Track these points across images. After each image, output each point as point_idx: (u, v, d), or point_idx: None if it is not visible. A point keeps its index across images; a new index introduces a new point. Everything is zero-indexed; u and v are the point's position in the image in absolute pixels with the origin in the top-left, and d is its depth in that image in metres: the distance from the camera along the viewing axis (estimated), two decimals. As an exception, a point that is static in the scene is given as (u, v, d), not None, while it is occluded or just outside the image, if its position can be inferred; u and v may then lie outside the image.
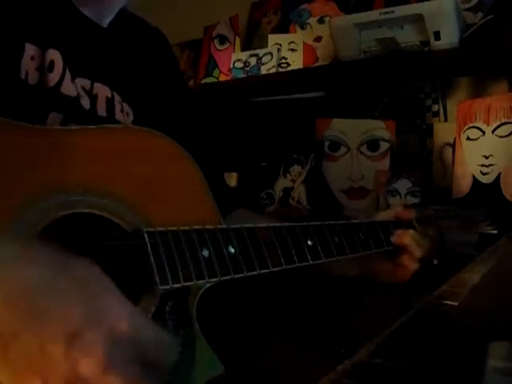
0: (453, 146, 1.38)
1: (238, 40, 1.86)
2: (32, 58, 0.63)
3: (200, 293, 0.58)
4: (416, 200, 1.40)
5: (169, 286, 0.54)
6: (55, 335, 0.36)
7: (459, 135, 1.33)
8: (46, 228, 0.51)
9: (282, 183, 1.60)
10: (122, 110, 0.74)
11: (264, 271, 0.63)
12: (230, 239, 0.61)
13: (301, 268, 0.68)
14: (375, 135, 1.50)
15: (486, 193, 1.25)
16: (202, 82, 1.87)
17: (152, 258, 0.54)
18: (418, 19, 1.31)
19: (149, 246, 0.54)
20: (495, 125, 1.26)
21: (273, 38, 1.75)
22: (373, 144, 1.50)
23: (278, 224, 0.69)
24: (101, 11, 0.76)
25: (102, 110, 0.71)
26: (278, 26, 1.81)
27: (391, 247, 0.84)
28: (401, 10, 1.34)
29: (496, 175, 1.24)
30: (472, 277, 0.61)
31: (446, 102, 1.53)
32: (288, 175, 1.60)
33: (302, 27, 1.74)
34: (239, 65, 1.76)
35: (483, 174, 1.27)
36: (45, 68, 0.64)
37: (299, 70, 1.66)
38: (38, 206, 0.51)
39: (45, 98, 0.64)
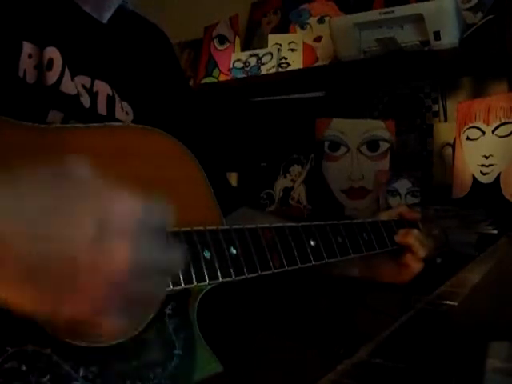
0: (453, 146, 1.38)
1: (237, 40, 1.86)
2: (30, 57, 0.63)
3: (201, 295, 0.58)
4: (416, 200, 1.40)
5: (169, 289, 0.53)
6: (80, 250, 0.37)
7: (459, 135, 1.33)
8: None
9: (281, 183, 1.60)
10: (121, 109, 0.74)
11: (266, 273, 0.62)
12: (231, 240, 0.60)
13: (303, 269, 0.68)
14: (375, 135, 1.50)
15: (485, 193, 1.25)
16: (202, 81, 1.87)
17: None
18: (418, 19, 1.31)
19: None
20: (495, 125, 1.26)
21: (273, 38, 1.75)
22: (373, 144, 1.50)
23: (280, 224, 0.68)
24: (101, 6, 0.75)
25: (102, 108, 0.71)
26: (278, 25, 1.81)
27: (395, 247, 0.83)
28: (401, 10, 1.34)
29: (496, 175, 1.24)
30: (472, 277, 0.61)
31: (445, 102, 1.53)
32: (288, 175, 1.60)
33: (302, 27, 1.74)
34: (239, 65, 1.76)
35: (483, 174, 1.27)
36: (43, 66, 0.64)
37: (299, 69, 1.66)
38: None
39: (44, 97, 0.64)
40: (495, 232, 0.95)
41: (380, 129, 1.50)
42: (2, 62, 0.61)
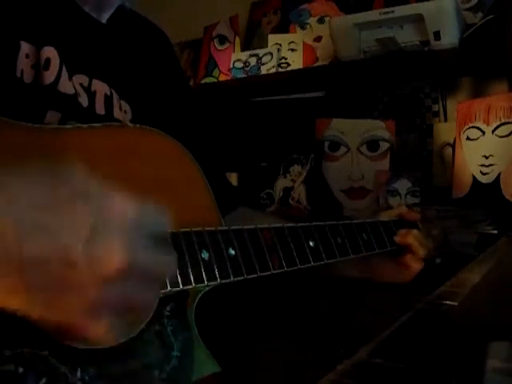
0: (453, 145, 1.38)
1: (237, 40, 1.86)
2: (27, 56, 0.63)
3: (199, 296, 0.57)
4: (416, 200, 1.40)
5: (167, 290, 0.53)
6: (73, 247, 0.37)
7: (459, 135, 1.33)
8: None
9: (281, 183, 1.60)
10: (120, 108, 0.73)
11: (265, 274, 0.62)
12: (230, 241, 0.60)
13: (302, 269, 0.67)
14: (375, 135, 1.50)
15: (485, 193, 1.25)
16: (202, 81, 1.87)
17: None
18: (418, 19, 1.31)
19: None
20: (495, 125, 1.26)
21: (273, 38, 1.75)
22: (373, 144, 1.50)
23: (279, 225, 0.67)
24: (101, 6, 0.75)
25: (100, 108, 0.70)
26: (278, 25, 1.81)
27: (394, 247, 0.83)
28: (401, 10, 1.34)
29: (496, 175, 1.24)
30: (472, 277, 0.61)
31: (445, 102, 1.53)
32: (288, 175, 1.60)
33: (302, 27, 1.74)
34: (239, 65, 1.76)
35: (483, 174, 1.27)
36: (40, 66, 0.64)
37: (299, 69, 1.66)
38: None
39: (42, 97, 0.64)
40: (495, 232, 0.95)
41: (380, 129, 1.50)
42: (0, 61, 0.61)
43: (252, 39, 1.87)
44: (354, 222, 0.79)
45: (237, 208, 0.88)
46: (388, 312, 1.04)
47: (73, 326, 0.39)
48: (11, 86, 0.61)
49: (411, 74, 1.54)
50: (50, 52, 0.65)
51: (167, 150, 0.63)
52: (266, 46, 1.75)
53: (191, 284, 0.55)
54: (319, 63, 1.66)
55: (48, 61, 0.65)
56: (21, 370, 0.44)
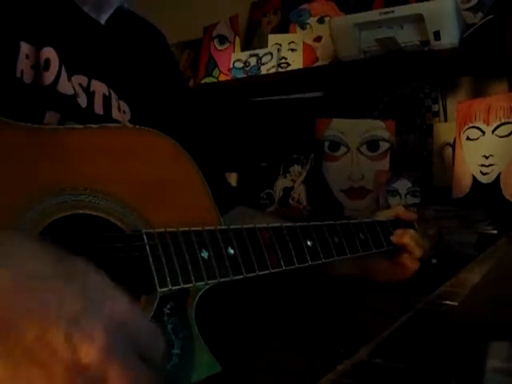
0: (453, 146, 1.38)
1: (237, 40, 1.86)
2: (27, 57, 0.63)
3: (199, 294, 0.58)
4: (416, 200, 1.40)
5: (167, 289, 0.53)
6: (54, 322, 0.35)
7: (459, 135, 1.33)
8: (45, 229, 0.51)
9: (282, 183, 1.60)
10: (118, 108, 0.74)
11: (263, 272, 0.63)
12: (229, 240, 0.60)
13: (300, 268, 0.68)
14: (375, 135, 1.50)
15: (485, 193, 1.25)
16: (202, 82, 1.87)
17: (151, 259, 0.53)
18: (418, 19, 1.31)
19: (148, 247, 0.54)
20: (495, 125, 1.26)
21: (273, 38, 1.75)
22: (373, 144, 1.50)
23: (277, 224, 0.68)
24: (100, 7, 0.75)
25: (98, 108, 0.71)
26: (278, 25, 1.81)
27: (391, 247, 0.84)
28: (401, 10, 1.34)
29: (496, 175, 1.24)
30: (472, 277, 0.61)
31: (445, 102, 1.53)
32: (288, 175, 1.60)
33: (302, 27, 1.74)
34: (239, 65, 1.76)
35: (483, 174, 1.27)
36: (40, 67, 0.64)
37: (299, 70, 1.66)
38: (37, 207, 0.51)
39: (41, 97, 0.64)
40: (495, 232, 0.95)
41: (380, 129, 1.50)
42: (0, 62, 0.61)
43: (252, 39, 1.87)
44: (351, 221, 0.79)
45: (235, 207, 0.89)
46: (388, 312, 1.04)
47: None
48: (11, 86, 0.61)
49: (411, 74, 1.54)
50: (49, 53, 0.65)
51: (166, 151, 0.63)
52: (266, 46, 1.75)
53: (191, 282, 0.55)
54: (319, 63, 1.66)
55: (48, 61, 0.65)
56: None
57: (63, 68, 0.67)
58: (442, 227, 0.95)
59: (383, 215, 0.89)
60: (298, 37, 1.72)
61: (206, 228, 0.59)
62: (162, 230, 0.55)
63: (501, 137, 1.25)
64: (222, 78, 1.84)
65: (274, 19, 1.83)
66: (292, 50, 1.71)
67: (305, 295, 1.23)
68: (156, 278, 0.53)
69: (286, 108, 1.72)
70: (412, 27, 1.34)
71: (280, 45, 1.72)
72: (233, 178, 1.70)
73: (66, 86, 0.66)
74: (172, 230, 0.56)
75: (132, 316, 0.39)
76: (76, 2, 0.73)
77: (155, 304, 0.54)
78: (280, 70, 1.70)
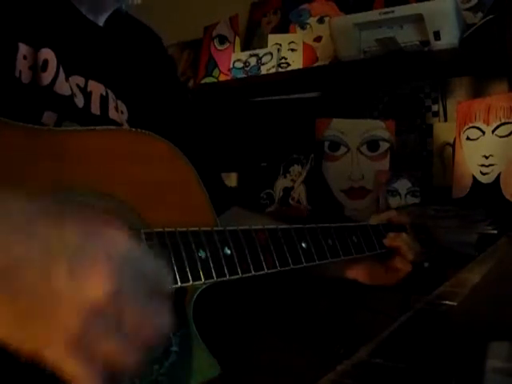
0: (453, 146, 1.38)
1: (237, 40, 1.86)
2: (25, 58, 0.63)
3: (197, 294, 0.58)
4: (416, 200, 1.40)
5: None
6: (55, 260, 0.35)
7: (459, 135, 1.33)
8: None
9: (282, 183, 1.60)
10: (116, 108, 0.74)
11: (259, 273, 0.63)
12: (226, 241, 0.61)
13: (295, 269, 0.68)
14: (375, 135, 1.50)
15: (485, 193, 1.25)
16: (202, 81, 1.87)
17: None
18: (418, 19, 1.31)
19: (146, 246, 0.54)
20: (495, 125, 1.26)
21: (273, 38, 1.75)
22: (373, 144, 1.50)
23: (273, 226, 0.69)
24: (98, 9, 0.76)
25: (95, 108, 0.71)
26: (278, 25, 1.81)
27: (384, 250, 0.85)
28: (401, 10, 1.34)
29: (496, 175, 1.24)
30: (472, 277, 0.61)
31: (445, 101, 1.53)
32: (288, 175, 1.60)
33: (302, 27, 1.74)
34: (239, 65, 1.76)
35: (483, 174, 1.27)
36: (38, 67, 0.64)
37: (299, 69, 1.66)
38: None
39: (39, 97, 0.64)
40: (495, 232, 0.95)
41: (380, 129, 1.50)
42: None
43: (252, 39, 1.87)
44: (344, 224, 0.81)
45: (231, 208, 0.89)
46: (388, 312, 1.04)
47: (52, 357, 0.35)
48: (10, 86, 0.62)
49: (411, 74, 1.54)
50: (47, 53, 0.66)
51: (162, 153, 0.64)
52: (266, 46, 1.75)
53: (189, 281, 0.55)
54: (319, 63, 1.66)
55: (45, 62, 0.65)
56: None
57: (61, 69, 0.67)
58: (443, 227, 0.95)
59: (376, 219, 0.90)
60: (297, 37, 1.72)
61: (203, 229, 0.60)
62: (161, 229, 0.56)
63: (501, 137, 1.25)
64: (222, 77, 1.84)
65: (273, 19, 1.83)
66: (292, 50, 1.71)
67: (304, 295, 1.23)
68: None
69: (285, 108, 1.72)
70: (412, 27, 1.34)
71: (280, 45, 1.72)
72: (233, 178, 1.70)
73: (63, 87, 0.67)
74: (170, 229, 0.56)
75: (133, 246, 0.38)
76: (74, 3, 0.73)
77: None
78: (280, 70, 1.70)
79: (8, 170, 0.51)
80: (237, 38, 1.86)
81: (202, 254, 0.58)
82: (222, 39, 1.89)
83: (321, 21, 1.71)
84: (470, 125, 1.31)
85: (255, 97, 1.80)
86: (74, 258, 0.35)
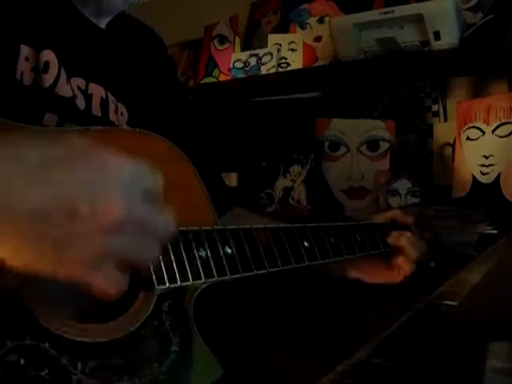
0: (453, 145, 1.38)
1: (237, 40, 1.86)
2: (27, 59, 0.64)
3: (197, 293, 0.58)
4: (416, 200, 1.40)
5: (166, 286, 0.54)
6: (74, 203, 0.39)
7: (459, 135, 1.33)
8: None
9: (282, 183, 1.60)
10: (116, 111, 0.74)
11: (261, 272, 0.63)
12: (226, 240, 0.61)
13: (297, 269, 0.68)
14: (375, 135, 1.50)
15: (485, 193, 1.25)
16: (202, 81, 1.87)
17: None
18: (418, 19, 1.31)
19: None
20: (495, 125, 1.26)
21: (273, 38, 1.75)
22: (373, 144, 1.50)
23: (274, 225, 0.69)
24: (100, 11, 0.76)
25: (96, 110, 0.72)
26: (278, 25, 1.81)
27: (387, 249, 0.84)
28: (401, 10, 1.34)
29: (496, 175, 1.24)
30: (472, 277, 0.61)
31: (445, 101, 1.53)
32: (288, 175, 1.60)
33: (302, 27, 1.74)
34: (239, 65, 1.76)
35: (483, 174, 1.27)
36: (39, 69, 0.65)
37: (299, 69, 1.66)
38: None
39: (40, 99, 0.64)
40: (495, 232, 0.95)
41: (380, 129, 1.50)
42: (1, 64, 0.61)
43: (252, 39, 1.87)
44: (347, 223, 0.80)
45: (232, 209, 0.89)
46: (388, 312, 1.04)
47: (77, 276, 0.40)
48: (11, 87, 0.62)
49: (411, 74, 1.54)
50: (49, 55, 0.66)
51: (163, 152, 0.64)
52: (266, 46, 1.75)
53: (189, 281, 0.56)
54: (319, 63, 1.66)
55: (47, 64, 0.65)
56: (22, 361, 0.45)
57: (62, 70, 0.67)
58: (442, 227, 0.95)
59: (379, 218, 0.89)
60: (297, 37, 1.72)
61: (204, 228, 0.60)
62: None
63: (501, 137, 1.25)
64: (222, 77, 1.84)
65: (273, 19, 1.83)
66: (292, 50, 1.71)
67: (305, 295, 1.23)
68: (154, 276, 0.53)
69: (285, 108, 1.72)
70: (412, 27, 1.34)
71: (280, 45, 1.72)
72: (233, 178, 1.70)
73: (64, 89, 0.67)
74: None
75: (133, 169, 0.44)
76: (76, 6, 0.73)
77: (153, 302, 0.55)
78: (280, 69, 1.70)
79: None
80: (237, 38, 1.86)
81: (202, 253, 0.58)
82: (222, 39, 1.89)
83: (321, 21, 1.71)
84: (470, 125, 1.31)
85: (255, 97, 1.80)
86: (88, 196, 0.40)
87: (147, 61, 0.87)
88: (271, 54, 1.71)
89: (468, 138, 1.31)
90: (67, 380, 0.46)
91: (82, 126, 0.67)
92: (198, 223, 0.60)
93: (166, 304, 0.56)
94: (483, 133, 1.28)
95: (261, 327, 0.86)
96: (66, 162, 0.40)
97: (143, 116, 0.78)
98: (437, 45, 1.31)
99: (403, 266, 0.84)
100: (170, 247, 0.55)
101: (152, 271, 0.53)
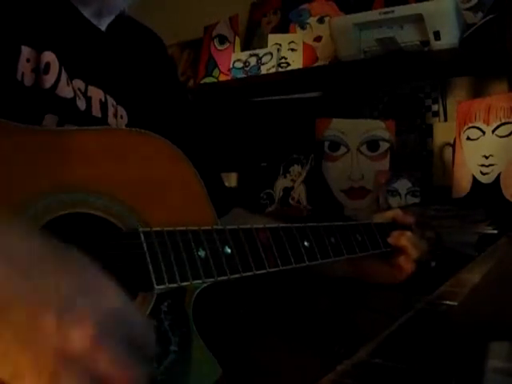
0: (453, 145, 1.38)
1: (237, 40, 1.86)
2: (28, 61, 0.64)
3: (196, 293, 0.58)
4: (416, 200, 1.40)
5: (165, 286, 0.54)
6: (47, 306, 0.36)
7: (459, 135, 1.33)
8: (44, 226, 0.51)
9: (282, 183, 1.60)
10: (115, 114, 0.74)
11: (260, 272, 0.63)
12: (226, 240, 0.61)
13: (297, 269, 0.68)
14: (375, 135, 1.50)
15: (485, 193, 1.25)
16: (202, 81, 1.87)
17: (148, 257, 0.54)
18: (418, 19, 1.31)
19: (145, 245, 0.54)
20: (495, 125, 1.26)
21: (273, 38, 1.75)
22: (373, 144, 1.50)
23: (274, 225, 0.69)
24: (101, 13, 0.76)
25: (96, 111, 0.72)
26: (278, 25, 1.81)
27: (388, 248, 0.84)
28: (401, 10, 1.34)
29: (496, 175, 1.24)
30: (472, 277, 0.61)
31: (445, 101, 1.53)
32: (288, 175, 1.60)
33: (302, 27, 1.74)
34: (239, 65, 1.76)
35: (483, 174, 1.27)
36: (40, 70, 0.65)
37: (299, 69, 1.66)
38: (37, 206, 0.51)
39: (41, 100, 0.65)
40: (495, 232, 0.95)
41: (380, 129, 1.50)
42: (1, 65, 0.61)
43: (252, 39, 1.87)
44: (348, 223, 0.80)
45: (232, 209, 0.89)
46: (388, 312, 1.04)
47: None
48: (12, 88, 0.62)
49: (411, 74, 1.54)
50: (49, 56, 0.66)
51: (162, 152, 0.64)
52: (266, 46, 1.75)
53: (188, 280, 0.56)
54: (319, 63, 1.66)
55: (48, 65, 0.65)
56: None
57: (63, 71, 0.67)
58: (442, 227, 0.95)
59: (380, 218, 0.89)
60: (297, 37, 1.72)
61: (203, 228, 0.60)
62: (160, 228, 0.56)
63: (501, 137, 1.25)
64: (222, 77, 1.84)
65: (273, 19, 1.83)
66: (292, 49, 1.71)
67: (305, 295, 1.23)
68: (153, 276, 0.53)
69: (285, 108, 1.72)
70: (412, 27, 1.34)
71: (280, 45, 1.72)
72: (233, 178, 1.70)
73: (65, 90, 0.67)
74: (169, 228, 0.56)
75: (124, 307, 0.40)
76: (77, 7, 0.73)
77: (152, 301, 0.55)
78: (280, 69, 1.70)
79: (8, 171, 0.51)
80: (237, 37, 1.86)
81: (201, 253, 0.58)
82: (222, 39, 1.89)
83: (321, 21, 1.71)
84: (470, 125, 1.31)
85: (255, 97, 1.80)
86: (64, 309, 0.36)
87: (147, 62, 0.87)
88: (271, 54, 1.71)
89: (468, 138, 1.31)
90: None
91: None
92: (198, 223, 0.60)
93: (165, 304, 0.56)
94: (483, 133, 1.28)
95: (261, 327, 0.86)
96: (56, 268, 0.38)
97: (143, 117, 0.78)
98: (437, 45, 1.31)
99: (404, 266, 0.84)
100: (169, 247, 0.55)
101: None
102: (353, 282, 0.91)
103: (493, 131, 1.27)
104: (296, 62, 1.69)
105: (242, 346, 0.76)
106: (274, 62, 1.70)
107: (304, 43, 1.70)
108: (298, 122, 1.63)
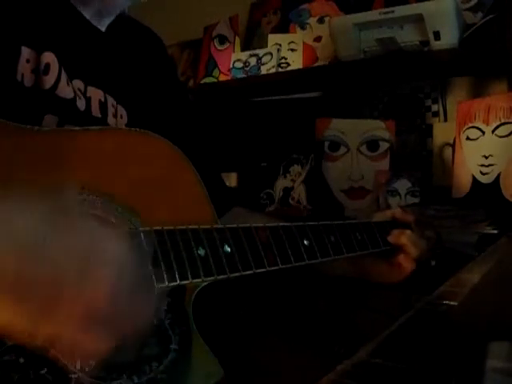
0: (452, 145, 1.38)
1: (237, 40, 1.86)
2: (28, 61, 0.64)
3: (196, 291, 0.58)
4: (416, 200, 1.40)
5: (165, 285, 0.54)
6: (65, 268, 0.39)
7: (459, 135, 1.33)
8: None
9: (281, 183, 1.60)
10: (114, 114, 0.74)
11: (260, 270, 0.63)
12: (225, 238, 0.61)
13: (297, 267, 0.68)
14: (375, 135, 1.50)
15: (485, 193, 1.25)
16: (202, 81, 1.87)
17: (148, 257, 0.54)
18: (418, 19, 1.31)
19: (145, 244, 0.54)
20: (495, 125, 1.26)
21: (273, 38, 1.75)
22: (372, 144, 1.50)
23: (274, 224, 0.69)
24: (101, 13, 0.76)
25: (96, 111, 0.72)
26: (278, 25, 1.81)
27: (388, 247, 0.84)
28: (401, 10, 1.34)
29: (496, 175, 1.24)
30: (472, 277, 0.61)
31: (445, 101, 1.53)
32: (288, 175, 1.60)
33: (302, 27, 1.74)
34: (239, 65, 1.76)
35: (483, 174, 1.27)
36: (40, 71, 0.65)
37: (299, 69, 1.66)
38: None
39: (41, 101, 0.65)
40: (495, 232, 0.95)
41: (380, 129, 1.50)
42: (1, 65, 0.61)
43: (252, 39, 1.87)
44: (347, 222, 0.80)
45: (232, 209, 0.89)
46: (388, 312, 1.04)
47: (62, 338, 0.41)
48: (12, 89, 0.62)
49: (411, 74, 1.54)
50: (49, 57, 0.66)
51: (162, 151, 0.64)
52: (266, 46, 1.75)
53: (188, 279, 0.56)
54: (319, 63, 1.66)
55: (48, 66, 0.65)
56: (21, 360, 0.45)
57: (63, 72, 0.67)
58: (442, 227, 0.95)
59: (380, 216, 0.89)
60: (297, 37, 1.72)
61: (203, 226, 0.60)
62: (159, 228, 0.56)
63: (501, 137, 1.25)
64: (222, 78, 1.84)
65: (273, 19, 1.83)
66: (292, 50, 1.71)
67: (305, 295, 1.23)
68: (153, 275, 0.53)
69: (285, 108, 1.72)
70: (412, 27, 1.34)
71: (280, 45, 1.72)
72: (233, 178, 1.70)
73: (65, 90, 0.67)
74: (169, 228, 0.56)
75: (128, 253, 0.44)
76: (77, 8, 0.73)
77: None
78: (280, 70, 1.70)
79: (8, 171, 0.51)
80: (237, 37, 1.86)
81: (201, 251, 0.58)
82: (222, 39, 1.89)
83: (321, 21, 1.71)
84: (470, 125, 1.31)
85: (255, 97, 1.80)
86: (80, 269, 0.40)
87: (147, 62, 0.87)
88: (271, 54, 1.71)
89: (468, 138, 1.31)
90: (66, 379, 0.47)
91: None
92: (198, 222, 0.60)
93: (165, 302, 0.56)
94: (483, 133, 1.28)
95: (261, 327, 0.86)
96: (63, 232, 0.41)
97: (143, 117, 0.78)
98: (437, 45, 1.31)
99: (404, 265, 0.84)
100: (169, 246, 0.55)
101: None
102: (352, 282, 0.91)
103: (492, 131, 1.27)
104: (296, 62, 1.69)
105: (242, 345, 0.76)
106: (273, 62, 1.70)
107: (304, 43, 1.70)
108: (298, 122, 1.63)
